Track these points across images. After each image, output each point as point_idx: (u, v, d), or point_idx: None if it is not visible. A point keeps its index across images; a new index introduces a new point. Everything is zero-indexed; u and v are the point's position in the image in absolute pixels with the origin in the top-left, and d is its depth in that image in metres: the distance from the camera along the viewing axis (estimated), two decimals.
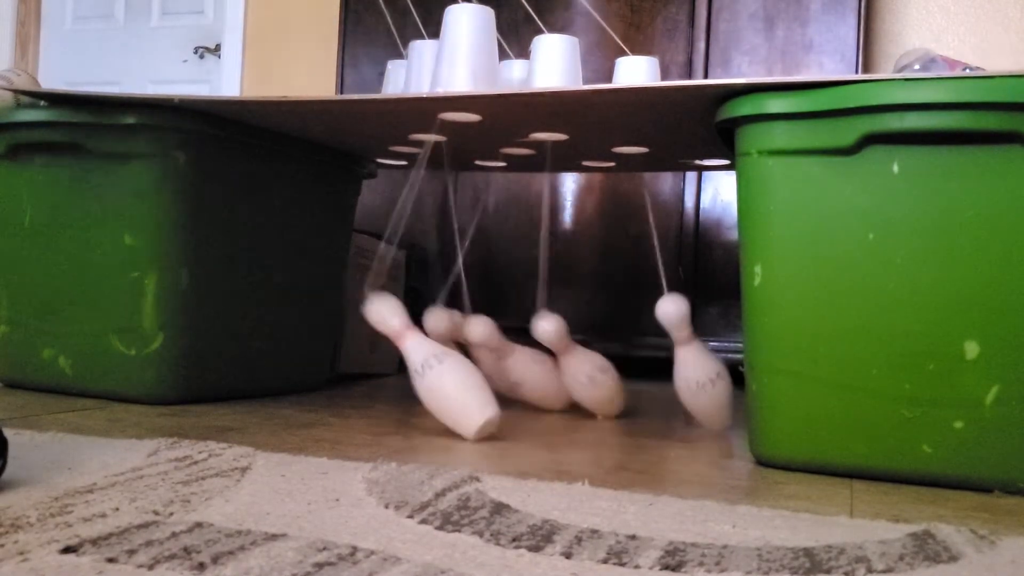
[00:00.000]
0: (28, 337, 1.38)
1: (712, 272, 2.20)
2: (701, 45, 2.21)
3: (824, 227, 1.01)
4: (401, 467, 0.89)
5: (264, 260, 1.44)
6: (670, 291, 1.32)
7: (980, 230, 0.96)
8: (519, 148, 1.49)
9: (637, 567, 0.61)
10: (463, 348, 1.39)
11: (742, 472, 1.01)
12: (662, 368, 2.35)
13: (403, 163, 1.71)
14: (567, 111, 1.21)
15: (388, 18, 2.46)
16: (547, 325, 1.36)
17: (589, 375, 1.37)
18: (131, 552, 0.57)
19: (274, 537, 0.62)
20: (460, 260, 2.25)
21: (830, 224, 1.01)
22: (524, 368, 1.42)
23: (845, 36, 2.11)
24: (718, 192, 2.22)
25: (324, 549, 0.60)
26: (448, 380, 1.13)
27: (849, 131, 0.99)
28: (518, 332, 2.36)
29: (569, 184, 2.27)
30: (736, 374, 2.14)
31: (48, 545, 0.58)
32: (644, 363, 2.34)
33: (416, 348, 1.17)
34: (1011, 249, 0.95)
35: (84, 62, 3.38)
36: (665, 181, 2.25)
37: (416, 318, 1.25)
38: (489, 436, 1.15)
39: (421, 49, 1.37)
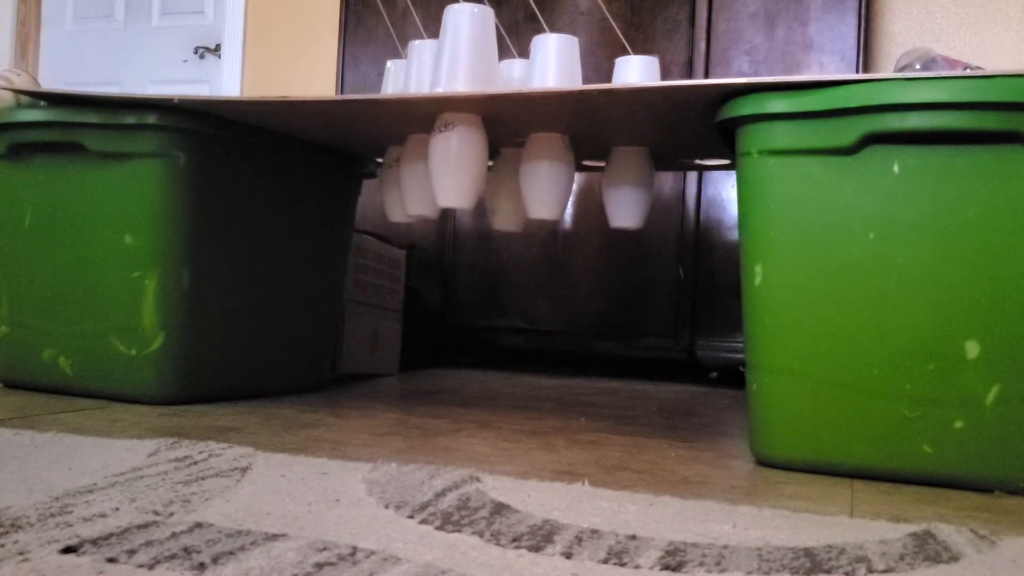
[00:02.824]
0: (28, 337, 1.38)
1: (712, 272, 2.20)
2: (701, 45, 2.21)
3: (825, 227, 1.01)
4: (401, 467, 0.89)
5: (264, 260, 1.44)
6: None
7: (980, 230, 0.96)
8: (519, 148, 1.49)
9: (637, 567, 0.61)
10: None
11: (742, 472, 1.01)
12: (662, 368, 2.35)
13: None
14: (567, 111, 1.21)
15: (388, 18, 2.46)
16: None
17: None
18: (131, 552, 0.57)
19: (274, 537, 0.62)
20: None
21: (831, 224, 1.01)
22: None
23: (845, 36, 2.11)
24: (718, 192, 2.22)
25: (324, 549, 0.60)
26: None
27: (849, 131, 0.99)
28: (517, 332, 2.35)
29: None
30: (736, 374, 2.14)
31: (48, 545, 0.58)
32: (644, 363, 2.34)
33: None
34: (1011, 249, 0.95)
35: (84, 62, 3.38)
36: (665, 181, 2.25)
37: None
38: (489, 435, 1.15)
39: (421, 49, 1.37)
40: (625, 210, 1.43)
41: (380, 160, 1.69)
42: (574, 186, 2.31)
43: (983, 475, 0.96)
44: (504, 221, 1.50)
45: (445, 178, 1.27)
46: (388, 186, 1.50)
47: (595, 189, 2.30)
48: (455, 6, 1.24)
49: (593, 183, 2.31)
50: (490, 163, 1.67)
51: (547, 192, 1.35)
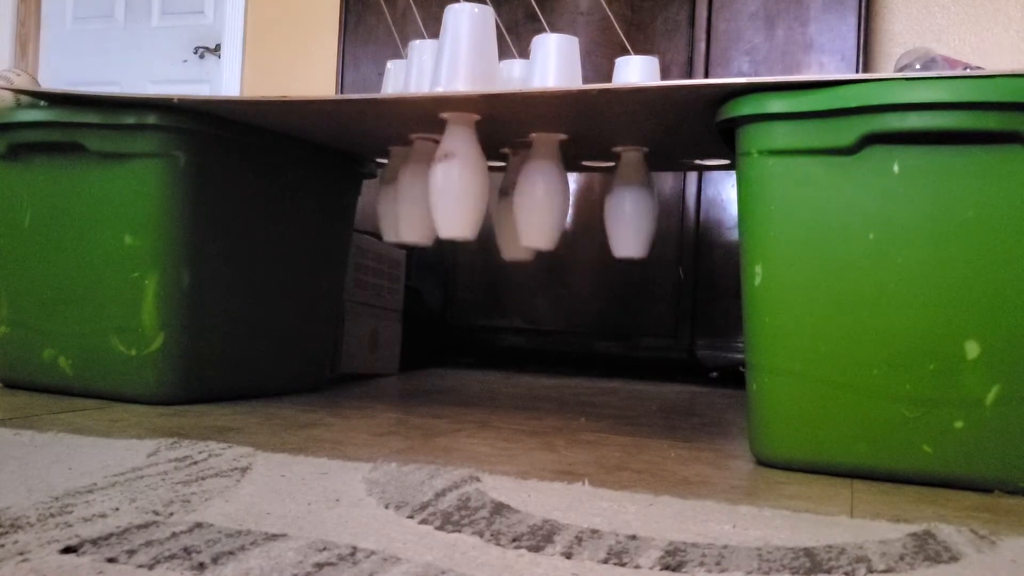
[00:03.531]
0: (28, 337, 1.38)
1: (712, 272, 2.20)
2: (701, 45, 2.21)
3: (824, 227, 1.01)
4: (401, 467, 0.89)
5: (264, 260, 1.44)
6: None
7: (980, 230, 0.96)
8: (520, 148, 1.49)
9: (637, 567, 0.61)
10: None
11: (742, 472, 1.01)
12: (662, 368, 2.35)
13: None
14: (567, 111, 1.21)
15: (388, 18, 2.46)
16: None
17: None
18: (131, 552, 0.57)
19: (274, 537, 0.62)
20: None
21: (830, 224, 1.01)
22: None
23: (845, 36, 2.11)
24: (718, 192, 2.22)
25: (324, 549, 0.60)
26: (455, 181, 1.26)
27: (849, 131, 0.99)
28: (517, 332, 2.35)
29: (570, 184, 2.27)
30: (736, 374, 2.14)
31: (48, 545, 0.58)
32: (644, 363, 2.34)
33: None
34: (1011, 249, 0.95)
35: (84, 62, 3.38)
36: (665, 181, 2.25)
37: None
38: (489, 435, 1.15)
39: (421, 49, 1.37)
40: (628, 239, 1.42)
41: (380, 160, 1.69)
42: (574, 186, 2.32)
43: (983, 475, 0.96)
44: (512, 251, 1.50)
45: (446, 209, 1.26)
46: (384, 205, 1.48)
47: (595, 189, 2.30)
48: (455, 6, 1.24)
49: (593, 183, 2.31)
50: (495, 165, 1.67)
51: (543, 224, 1.35)
